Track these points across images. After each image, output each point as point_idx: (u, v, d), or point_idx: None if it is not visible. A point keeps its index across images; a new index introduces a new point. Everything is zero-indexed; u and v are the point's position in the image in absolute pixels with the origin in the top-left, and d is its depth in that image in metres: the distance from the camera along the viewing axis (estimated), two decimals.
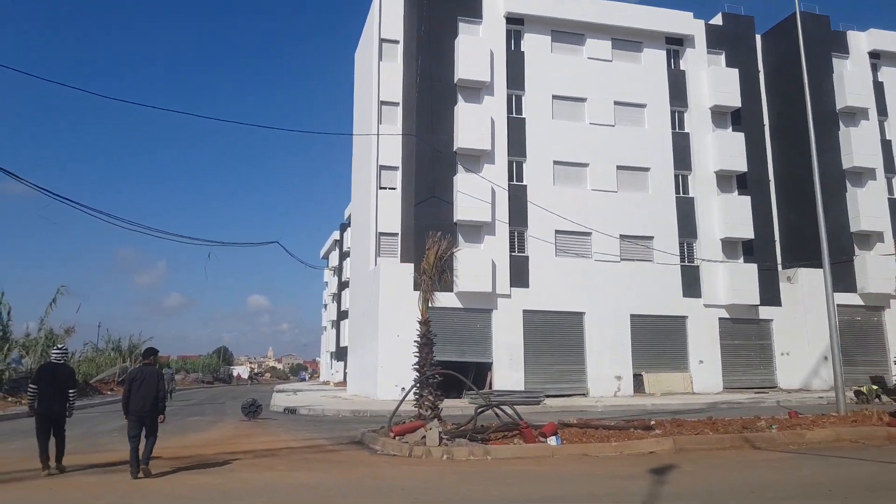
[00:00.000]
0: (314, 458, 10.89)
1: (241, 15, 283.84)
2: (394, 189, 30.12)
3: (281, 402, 24.82)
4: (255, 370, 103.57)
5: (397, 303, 26.28)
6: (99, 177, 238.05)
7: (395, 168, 30.21)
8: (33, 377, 9.40)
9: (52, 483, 8.48)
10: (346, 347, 52.47)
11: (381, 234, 29.85)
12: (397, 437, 11.77)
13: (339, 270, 60.65)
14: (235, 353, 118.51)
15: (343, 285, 57.50)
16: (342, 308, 57.45)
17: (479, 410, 12.71)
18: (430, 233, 15.23)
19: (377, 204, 29.80)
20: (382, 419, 18.05)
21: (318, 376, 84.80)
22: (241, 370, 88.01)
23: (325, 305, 72.60)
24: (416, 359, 14.13)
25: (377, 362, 26.20)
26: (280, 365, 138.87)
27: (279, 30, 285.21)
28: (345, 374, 53.11)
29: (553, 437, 11.64)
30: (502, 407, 13.00)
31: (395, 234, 29.76)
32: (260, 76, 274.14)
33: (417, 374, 13.92)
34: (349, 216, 54.59)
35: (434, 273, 14.56)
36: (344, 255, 57.58)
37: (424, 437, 11.19)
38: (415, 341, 14.22)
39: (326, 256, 71.71)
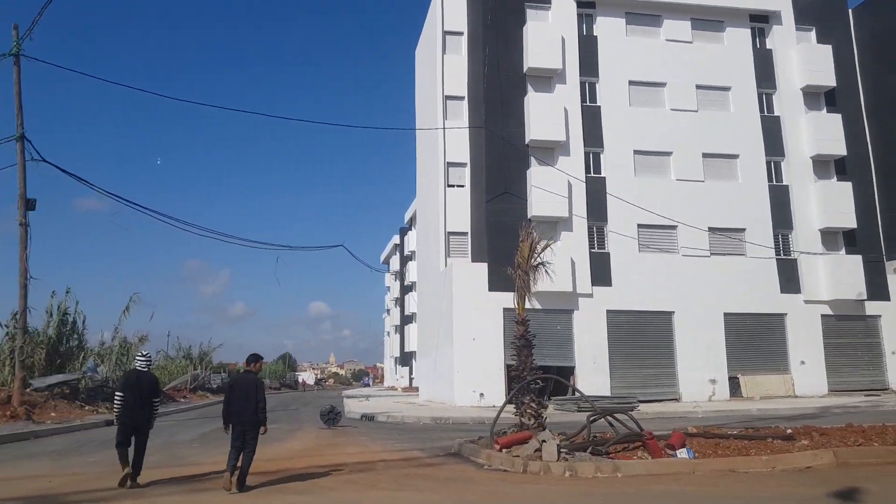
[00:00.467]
0: (416, 473, 9.68)
1: (309, 17, 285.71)
2: (462, 186, 28.98)
3: (356, 409, 23.94)
4: (319, 376, 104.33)
5: (471, 304, 25.08)
6: (147, 180, 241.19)
7: (464, 164, 29.08)
8: (119, 385, 8.76)
9: None
10: (410, 352, 51.62)
11: (451, 233, 28.74)
12: (504, 450, 10.47)
13: (400, 275, 59.96)
14: (298, 359, 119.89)
15: (406, 290, 56.74)
16: (406, 312, 56.73)
17: (592, 419, 11.26)
18: (522, 223, 13.94)
19: (445, 202, 28.70)
20: (466, 427, 16.92)
21: (381, 381, 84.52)
22: (305, 376, 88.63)
23: (388, 310, 72.12)
24: (514, 362, 12.77)
25: (453, 367, 24.98)
26: (342, 371, 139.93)
27: (334, 33, 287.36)
28: (410, 379, 52.25)
29: (684, 450, 10.11)
30: (615, 415, 11.55)
31: (465, 234, 28.60)
32: (312, 79, 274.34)
33: (517, 378, 12.55)
34: (410, 219, 53.78)
35: (529, 268, 13.21)
36: (405, 259, 56.82)
37: (538, 450, 9.85)
38: (512, 343, 12.89)
39: (387, 261, 71.21)
